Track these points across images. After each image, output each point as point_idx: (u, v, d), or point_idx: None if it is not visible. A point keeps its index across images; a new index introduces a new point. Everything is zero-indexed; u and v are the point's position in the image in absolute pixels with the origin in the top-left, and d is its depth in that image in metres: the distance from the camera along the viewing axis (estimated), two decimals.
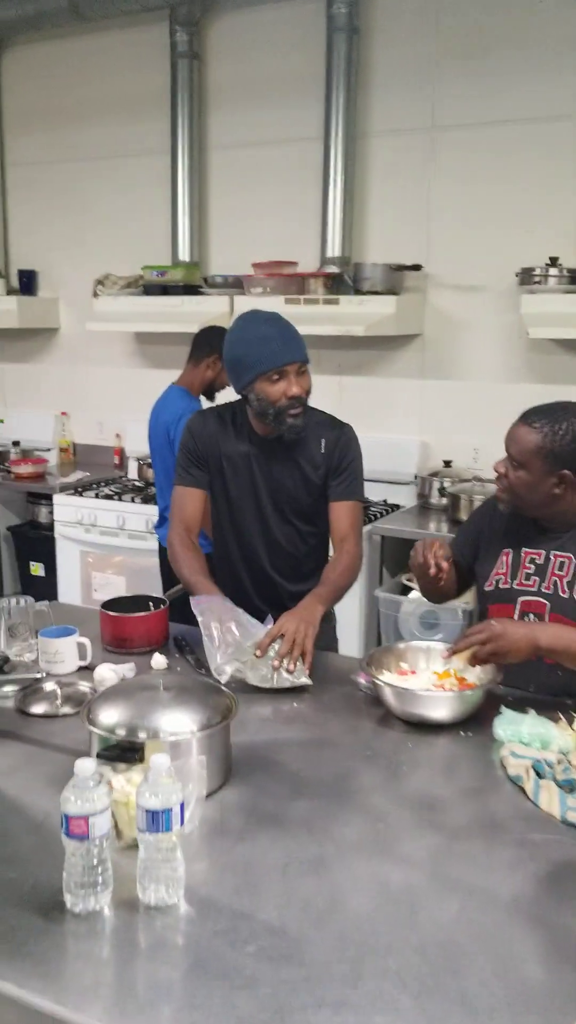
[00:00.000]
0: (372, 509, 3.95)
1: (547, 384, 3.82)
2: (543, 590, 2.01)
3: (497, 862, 1.39)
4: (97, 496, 4.25)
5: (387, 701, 1.86)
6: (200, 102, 4.35)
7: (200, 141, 4.38)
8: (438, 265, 3.98)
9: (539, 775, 1.60)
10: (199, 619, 2.02)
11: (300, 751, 1.73)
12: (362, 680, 1.99)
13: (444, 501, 3.85)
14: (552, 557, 2.02)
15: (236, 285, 4.17)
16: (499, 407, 3.84)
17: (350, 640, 3.50)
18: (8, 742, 1.74)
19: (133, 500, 4.16)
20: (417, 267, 3.88)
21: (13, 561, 4.85)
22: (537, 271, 3.59)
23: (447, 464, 4.01)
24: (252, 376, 2.18)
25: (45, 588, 4.52)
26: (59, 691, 1.89)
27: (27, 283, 4.94)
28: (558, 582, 2.00)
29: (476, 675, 1.93)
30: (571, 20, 3.60)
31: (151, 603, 2.29)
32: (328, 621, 2.49)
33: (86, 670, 2.04)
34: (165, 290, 4.27)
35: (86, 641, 2.07)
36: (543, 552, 2.03)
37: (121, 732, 1.49)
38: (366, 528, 3.62)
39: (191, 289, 4.26)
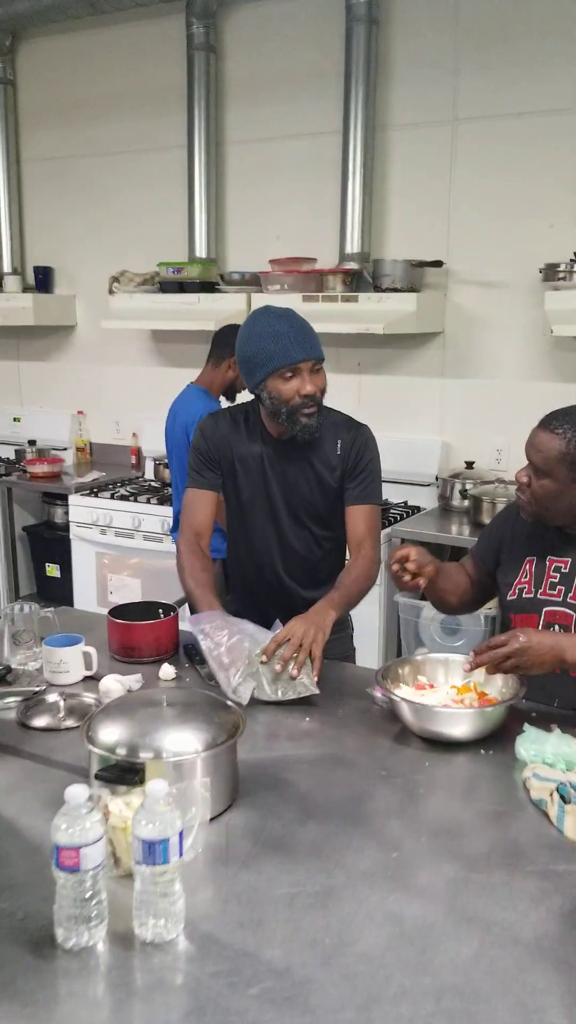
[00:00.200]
0: (392, 511, 3.86)
1: (572, 383, 3.73)
2: (569, 600, 1.92)
3: (519, 895, 1.30)
4: (113, 497, 4.19)
5: (404, 717, 1.78)
6: (217, 96, 4.28)
7: (217, 135, 4.31)
8: (459, 261, 3.88)
9: (564, 799, 1.51)
10: (200, 644, 1.93)
11: (311, 770, 1.65)
12: (378, 694, 1.91)
13: (466, 503, 3.76)
14: None
15: (253, 282, 4.10)
16: (522, 406, 3.78)
17: (369, 647, 3.41)
18: (7, 758, 1.67)
19: (149, 501, 4.10)
20: (438, 263, 3.79)
21: (29, 562, 4.80)
22: (562, 267, 3.49)
23: (469, 465, 3.92)
24: (264, 374, 2.11)
25: (61, 590, 4.48)
26: (62, 703, 1.82)
27: (43, 280, 4.89)
28: None
29: (498, 689, 1.85)
30: None
31: (161, 610, 2.22)
32: (344, 628, 2.41)
33: (92, 680, 1.97)
34: (181, 287, 4.21)
35: (92, 650, 2.00)
36: (569, 560, 1.94)
37: (121, 751, 1.41)
38: (385, 531, 3.54)
39: (208, 286, 4.19)
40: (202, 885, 1.31)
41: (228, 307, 4.04)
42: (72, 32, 4.63)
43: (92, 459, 4.97)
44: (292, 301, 3.60)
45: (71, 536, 4.27)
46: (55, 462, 4.62)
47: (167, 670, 2.01)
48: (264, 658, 1.90)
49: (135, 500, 4.13)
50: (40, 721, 1.79)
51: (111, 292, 4.41)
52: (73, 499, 4.26)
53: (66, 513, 4.33)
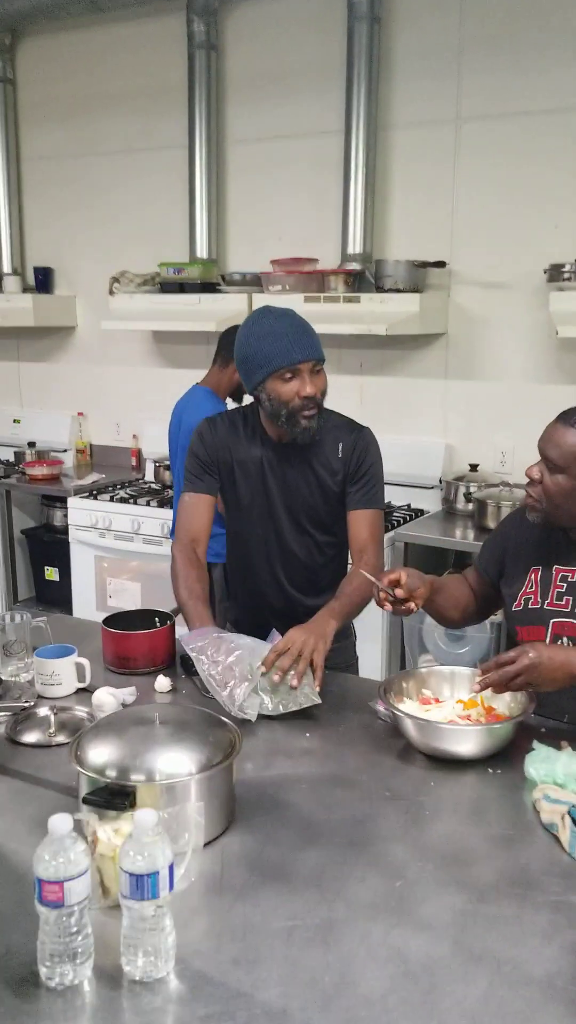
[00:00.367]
0: (395, 514, 3.80)
1: None
2: None
3: (530, 929, 1.23)
4: (112, 499, 4.13)
5: (408, 734, 1.71)
6: (218, 94, 4.21)
7: (218, 134, 4.24)
8: (463, 262, 3.82)
9: None
10: (195, 664, 1.85)
11: (311, 791, 1.58)
12: (381, 708, 1.84)
13: (470, 507, 3.69)
14: None
15: (254, 283, 4.04)
16: (527, 409, 3.73)
17: (372, 654, 3.35)
18: None
19: (149, 504, 4.04)
20: (441, 264, 3.72)
21: (28, 565, 4.74)
22: (567, 267, 3.42)
23: (473, 468, 3.85)
24: (263, 375, 2.04)
25: (60, 593, 4.42)
26: (53, 718, 1.76)
27: (43, 280, 4.83)
28: None
29: (506, 704, 1.78)
30: None
31: (157, 619, 2.15)
32: (347, 637, 2.35)
33: (85, 692, 1.91)
34: (182, 288, 4.15)
35: (85, 662, 1.93)
36: None
37: (111, 773, 1.34)
38: (389, 534, 3.47)
39: (208, 287, 4.13)
40: (195, 918, 1.24)
41: (229, 308, 3.98)
42: (72, 30, 4.57)
43: (92, 461, 4.91)
44: (294, 302, 3.54)
45: (70, 539, 4.21)
46: (54, 464, 4.56)
47: (163, 682, 1.95)
48: (263, 669, 1.84)
49: (135, 503, 4.07)
50: (30, 737, 1.72)
51: (111, 293, 4.35)
52: (72, 502, 4.20)
53: (65, 516, 4.27)
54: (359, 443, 2.18)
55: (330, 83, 3.91)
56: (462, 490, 3.76)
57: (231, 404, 3.34)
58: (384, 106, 3.86)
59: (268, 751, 1.72)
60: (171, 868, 1.11)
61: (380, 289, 3.71)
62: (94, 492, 4.24)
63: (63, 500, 4.32)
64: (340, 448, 2.17)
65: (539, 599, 1.90)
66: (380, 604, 1.85)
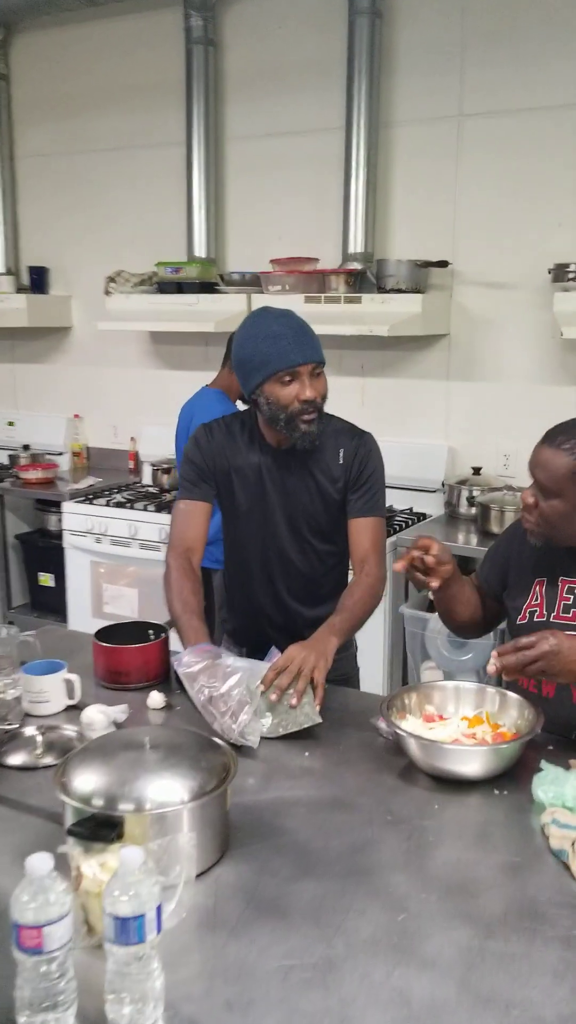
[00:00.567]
0: (397, 519, 3.73)
1: None
2: None
3: (540, 968, 1.16)
4: (108, 504, 4.05)
5: (410, 753, 1.64)
6: (216, 90, 4.14)
7: (216, 132, 4.17)
8: (466, 261, 3.75)
9: None
10: (187, 688, 1.77)
11: (309, 815, 1.51)
12: (382, 725, 1.77)
13: (474, 511, 3.62)
14: None
15: (254, 283, 3.97)
16: (531, 411, 3.66)
17: (373, 661, 3.28)
18: None
19: (146, 508, 3.96)
20: (444, 264, 3.65)
21: (22, 571, 4.67)
22: (571, 267, 3.35)
23: (476, 471, 3.78)
24: (261, 378, 1.98)
25: (55, 600, 4.35)
26: (39, 738, 1.69)
27: (38, 280, 4.76)
28: None
29: (513, 721, 1.71)
30: None
31: (151, 631, 2.08)
32: (347, 647, 2.27)
33: (75, 710, 1.84)
34: (180, 288, 4.08)
35: (74, 678, 1.86)
36: None
37: (98, 802, 1.27)
38: (391, 539, 3.40)
39: (207, 287, 4.06)
40: (186, 956, 1.17)
41: (228, 308, 3.91)
42: (67, 25, 4.50)
43: (89, 464, 4.84)
44: (294, 302, 3.47)
45: (65, 544, 4.14)
46: (49, 467, 4.49)
47: (156, 698, 1.88)
48: (262, 686, 1.76)
49: (131, 507, 4.00)
50: (16, 759, 1.65)
51: (107, 293, 4.28)
52: (67, 506, 4.12)
53: (60, 520, 4.20)
54: (361, 449, 2.11)
55: (330, 79, 3.84)
56: (465, 494, 3.69)
57: (241, 406, 3.26)
58: (386, 102, 3.79)
59: (265, 772, 1.65)
60: (159, 909, 1.04)
61: (381, 289, 3.64)
62: (90, 496, 4.17)
63: (58, 504, 4.25)
64: (341, 454, 2.10)
65: (545, 612, 1.83)
66: (406, 566, 1.78)
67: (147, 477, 4.45)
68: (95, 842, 1.22)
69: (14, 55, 4.74)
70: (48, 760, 1.64)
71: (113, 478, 4.53)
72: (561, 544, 1.79)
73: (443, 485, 3.83)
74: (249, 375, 2.01)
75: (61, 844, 1.23)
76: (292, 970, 1.15)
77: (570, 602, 1.82)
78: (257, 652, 1.97)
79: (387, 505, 2.25)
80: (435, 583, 1.80)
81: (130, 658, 1.97)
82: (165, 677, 2.01)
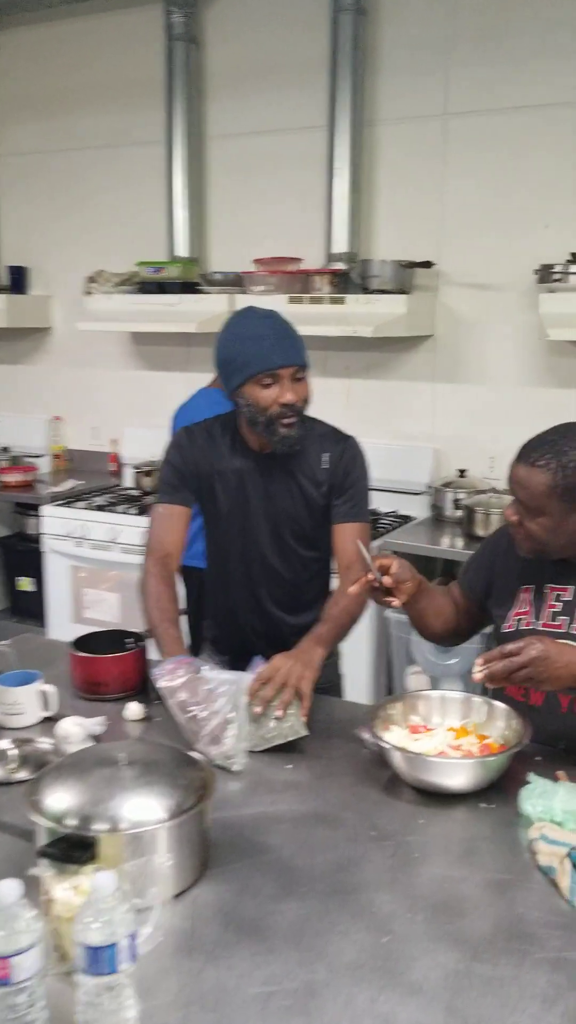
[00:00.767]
0: (382, 521, 3.69)
1: (567, 388, 3.58)
2: (572, 631, 1.75)
3: (529, 992, 1.12)
4: (89, 507, 3.99)
5: (395, 766, 1.60)
6: (197, 88, 4.09)
7: (198, 130, 4.12)
8: (451, 262, 3.71)
9: None
10: (166, 700, 1.72)
11: (292, 831, 1.47)
12: (367, 736, 1.73)
13: (459, 514, 3.59)
14: None
15: (236, 283, 3.92)
16: (516, 413, 3.63)
17: (358, 666, 3.24)
18: None
19: (127, 512, 3.91)
20: (428, 264, 3.62)
21: (1, 575, 4.60)
22: (557, 268, 3.32)
23: (462, 473, 3.75)
24: (241, 379, 1.93)
25: (34, 605, 4.29)
26: (13, 752, 1.64)
27: (17, 280, 4.69)
28: None
29: (500, 732, 1.67)
30: None
31: (130, 640, 2.03)
32: (331, 655, 2.23)
33: (51, 721, 1.78)
34: (161, 288, 4.03)
35: (50, 689, 1.81)
36: (570, 588, 1.77)
37: (71, 822, 1.23)
38: (376, 542, 3.37)
39: (189, 287, 4.00)
40: (162, 982, 1.13)
41: (210, 308, 3.86)
42: (46, 22, 4.43)
43: (70, 466, 4.77)
44: (277, 302, 3.43)
45: (45, 548, 4.08)
46: (28, 470, 4.42)
47: (134, 709, 1.83)
48: (248, 697, 1.72)
49: (113, 510, 3.94)
50: None
51: (88, 293, 4.23)
52: (46, 510, 4.06)
53: (39, 524, 4.13)
54: (346, 453, 2.07)
55: (314, 77, 3.80)
56: (451, 496, 3.66)
57: None
58: (370, 101, 3.75)
59: (246, 786, 1.61)
60: (132, 937, 1.00)
61: (366, 290, 3.60)
62: (70, 500, 4.11)
63: (37, 507, 4.18)
64: (325, 459, 2.05)
65: (533, 619, 1.80)
66: (362, 588, 1.74)
67: (129, 480, 4.39)
68: (68, 864, 1.17)
69: None
70: (22, 775, 1.60)
71: (94, 481, 4.47)
72: (552, 556, 1.76)
73: (429, 487, 3.80)
74: (230, 376, 1.97)
75: (33, 865, 1.18)
76: (272, 996, 1.11)
77: (558, 609, 1.78)
78: (239, 660, 1.92)
79: (372, 507, 2.21)
80: (396, 603, 1.77)
81: (108, 668, 1.92)
82: (143, 687, 1.96)
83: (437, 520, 3.73)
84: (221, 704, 1.66)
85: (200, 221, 4.20)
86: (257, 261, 3.84)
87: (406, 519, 3.79)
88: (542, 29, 3.43)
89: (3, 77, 4.67)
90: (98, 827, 1.22)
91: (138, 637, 2.04)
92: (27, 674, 1.82)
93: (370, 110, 3.76)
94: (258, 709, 1.71)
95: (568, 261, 3.31)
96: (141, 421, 4.40)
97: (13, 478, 4.33)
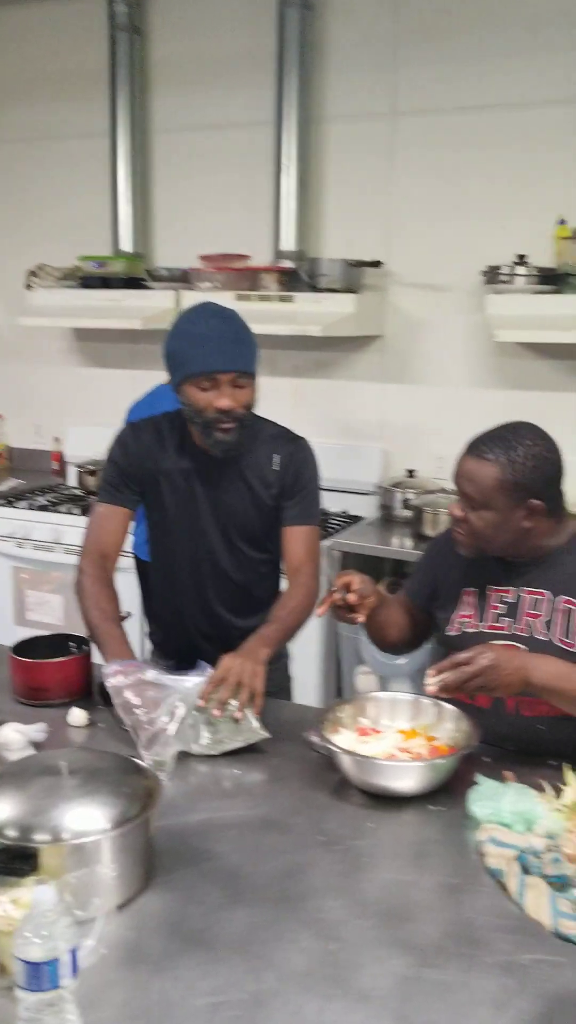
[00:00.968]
0: (332, 522, 3.68)
1: (515, 390, 3.60)
2: (516, 632, 1.75)
3: (479, 997, 1.12)
4: (31, 507, 3.91)
5: (344, 770, 1.58)
6: (142, 81, 4.02)
7: (142, 123, 4.06)
8: (399, 262, 3.71)
9: (525, 870, 1.33)
10: (113, 700, 1.68)
11: (239, 837, 1.44)
12: (315, 739, 1.71)
13: (408, 514, 3.59)
14: (523, 595, 1.76)
15: (183, 279, 3.87)
16: (465, 413, 3.64)
17: (307, 668, 3.22)
18: None
19: (70, 512, 3.84)
20: (377, 264, 3.61)
21: None
22: (504, 270, 3.34)
23: (410, 473, 3.76)
24: (180, 377, 1.91)
25: None
26: None
27: None
28: (533, 623, 1.74)
29: (449, 734, 1.67)
30: None
31: (72, 644, 1.98)
32: (279, 658, 2.20)
33: None
34: (105, 283, 3.96)
35: None
36: (512, 590, 1.78)
37: (11, 833, 1.18)
38: (326, 543, 3.35)
39: (133, 282, 3.95)
40: (106, 995, 1.10)
41: (156, 305, 3.80)
42: None
43: (11, 465, 4.67)
44: (224, 300, 3.34)
45: None
46: None
47: (78, 715, 1.79)
48: (202, 701, 1.68)
49: (55, 510, 3.87)
50: None
51: (29, 287, 4.14)
52: None
53: None
54: (296, 455, 2.04)
55: (260, 72, 3.76)
56: (400, 496, 3.66)
57: None
58: (317, 98, 3.73)
59: (193, 791, 1.58)
60: (74, 952, 0.96)
61: (315, 289, 3.58)
62: (11, 499, 4.02)
63: None
64: (276, 460, 2.03)
65: (477, 622, 1.80)
66: (324, 612, 1.75)
67: (72, 479, 4.32)
68: (8, 876, 1.13)
69: None
70: None
71: (36, 480, 4.38)
72: (493, 554, 1.77)
73: (378, 487, 3.80)
74: (171, 372, 1.95)
75: None
76: (220, 1007, 1.08)
77: (501, 611, 1.79)
78: (185, 664, 1.89)
79: (321, 507, 2.20)
80: (361, 619, 1.77)
81: (50, 673, 1.87)
82: (87, 692, 1.92)
83: (386, 520, 3.72)
84: (160, 711, 1.62)
85: (145, 215, 4.14)
86: (204, 258, 3.79)
87: (355, 519, 3.78)
88: (493, 28, 3.44)
89: None
90: (39, 838, 1.18)
91: (82, 641, 1.99)
92: None
93: (318, 107, 3.74)
94: (217, 712, 1.68)
95: (515, 263, 3.33)
96: (85, 419, 4.33)
97: None
